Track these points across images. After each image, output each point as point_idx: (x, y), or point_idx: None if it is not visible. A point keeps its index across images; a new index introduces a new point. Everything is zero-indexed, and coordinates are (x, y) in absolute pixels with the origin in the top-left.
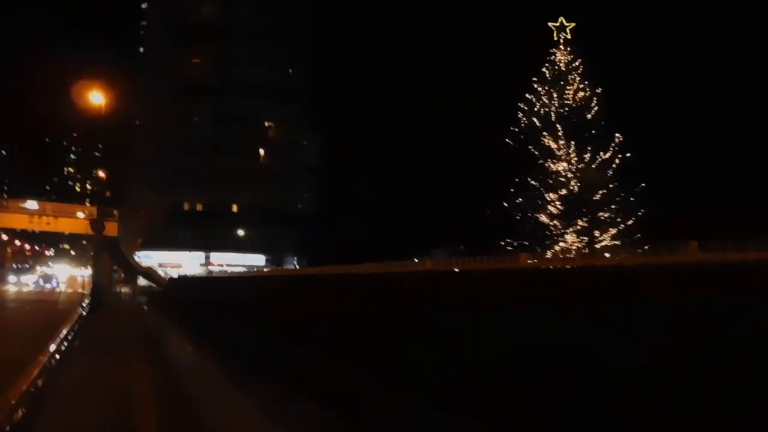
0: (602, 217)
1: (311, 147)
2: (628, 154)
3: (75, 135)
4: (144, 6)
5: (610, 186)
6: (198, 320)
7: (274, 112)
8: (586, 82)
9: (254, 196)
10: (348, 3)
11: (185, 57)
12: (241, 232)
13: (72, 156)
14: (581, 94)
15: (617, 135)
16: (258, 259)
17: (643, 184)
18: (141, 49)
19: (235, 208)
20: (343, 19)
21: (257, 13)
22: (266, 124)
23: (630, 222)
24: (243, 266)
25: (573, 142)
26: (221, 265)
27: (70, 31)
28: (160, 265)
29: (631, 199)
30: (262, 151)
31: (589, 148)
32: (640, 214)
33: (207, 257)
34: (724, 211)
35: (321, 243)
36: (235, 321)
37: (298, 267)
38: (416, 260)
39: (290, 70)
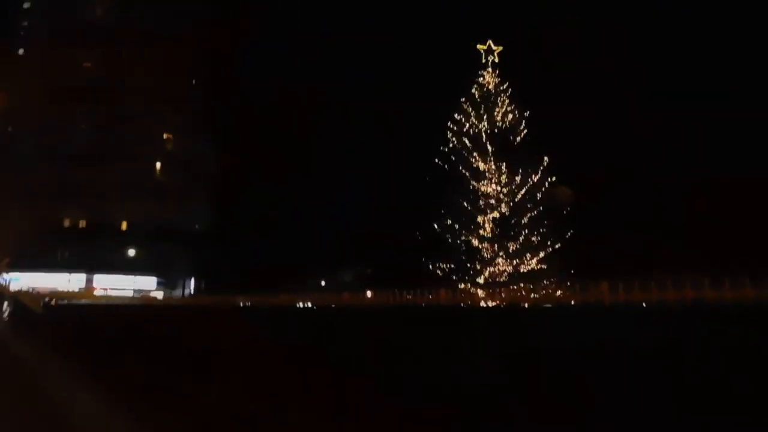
0: (532, 241)
1: (210, 161)
2: (553, 178)
3: None
4: (26, 5)
5: (539, 209)
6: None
7: (170, 122)
8: (514, 105)
9: (145, 213)
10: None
11: (71, 59)
12: (130, 252)
13: None
14: (510, 116)
15: (545, 158)
16: (148, 282)
17: (568, 208)
18: (20, 51)
19: (124, 225)
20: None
21: (154, 16)
22: (163, 135)
23: (558, 246)
24: (130, 290)
25: (503, 164)
26: (105, 289)
27: None
28: (33, 289)
29: (556, 223)
30: (155, 164)
31: (520, 170)
32: (567, 236)
33: (89, 279)
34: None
35: (219, 265)
36: None
37: (193, 291)
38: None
39: (193, 81)
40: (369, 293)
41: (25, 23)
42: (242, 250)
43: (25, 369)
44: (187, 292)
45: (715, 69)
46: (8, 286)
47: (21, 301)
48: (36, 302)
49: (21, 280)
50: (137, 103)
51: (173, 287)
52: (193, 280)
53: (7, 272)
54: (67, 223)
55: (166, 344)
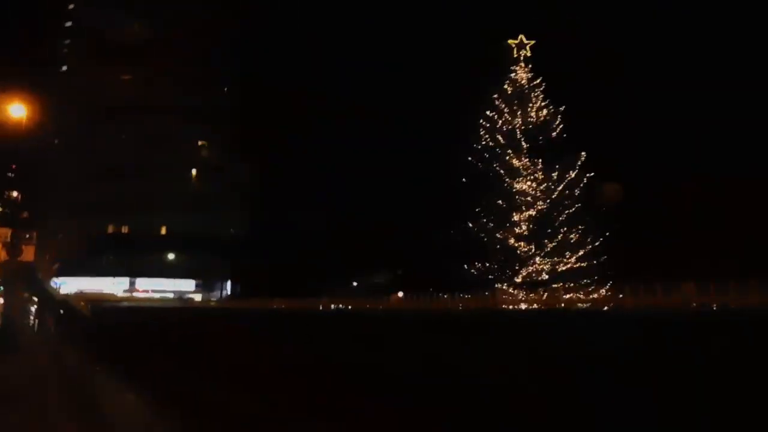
0: (570, 239)
1: (244, 169)
2: (591, 174)
3: None
4: (68, 24)
5: (577, 206)
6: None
7: (204, 133)
8: (548, 101)
9: (183, 220)
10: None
11: (109, 76)
12: (169, 257)
13: None
14: (544, 111)
15: (581, 154)
16: (187, 285)
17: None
18: (64, 68)
19: (163, 231)
20: (279, 34)
21: (185, 32)
22: (199, 143)
23: (597, 243)
24: (171, 292)
25: (539, 161)
26: (146, 291)
27: None
28: (81, 293)
29: (595, 220)
30: (191, 173)
31: (556, 166)
32: (606, 235)
33: (132, 283)
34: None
35: (254, 268)
36: None
37: (229, 293)
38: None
39: (225, 89)
40: (401, 294)
41: (67, 41)
42: (276, 254)
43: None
44: (223, 294)
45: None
46: (58, 290)
47: (70, 304)
48: (84, 305)
49: (68, 285)
50: (173, 115)
51: (210, 290)
52: (229, 284)
53: (56, 277)
54: (110, 230)
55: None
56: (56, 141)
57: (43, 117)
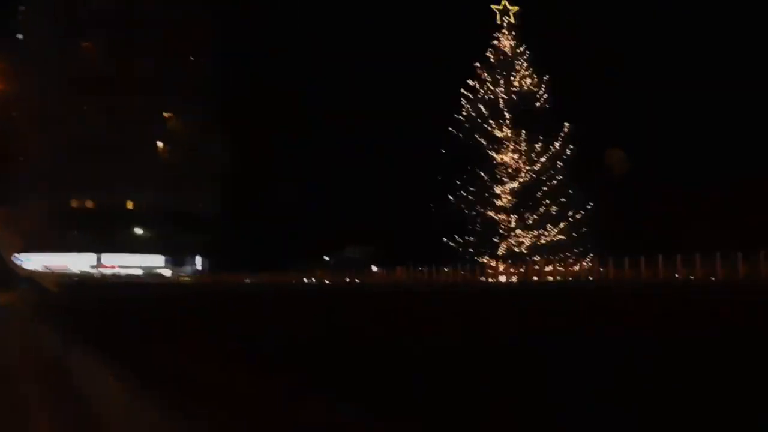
0: (552, 212)
1: (215, 142)
2: (571, 146)
3: None
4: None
5: (559, 178)
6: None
7: (175, 105)
8: (532, 69)
9: (152, 194)
10: None
11: (73, 45)
12: (137, 232)
13: None
14: (528, 81)
15: (566, 124)
16: (156, 261)
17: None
18: (19, 36)
19: (130, 205)
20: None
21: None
22: (165, 115)
23: (579, 216)
24: (139, 267)
25: (522, 132)
26: (114, 267)
27: None
28: (46, 269)
29: (579, 192)
30: (161, 148)
31: (540, 137)
32: (589, 207)
33: (98, 259)
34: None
35: (225, 243)
36: None
37: (200, 269)
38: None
39: (192, 60)
40: (375, 269)
41: (23, 7)
42: (248, 229)
43: None
44: (192, 269)
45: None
46: (22, 266)
47: (36, 279)
48: (50, 280)
49: (33, 261)
50: (142, 88)
51: (180, 265)
52: (199, 259)
53: (20, 254)
54: (76, 205)
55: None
56: (13, 114)
57: (2, 85)
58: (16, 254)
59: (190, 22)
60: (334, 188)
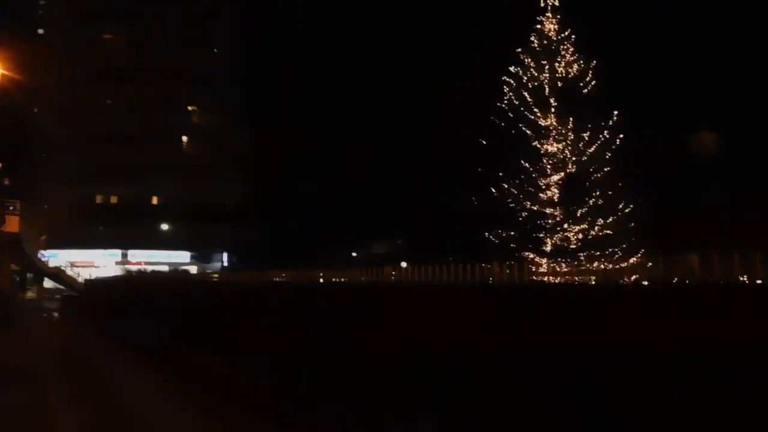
0: (601, 204)
1: (241, 135)
2: (621, 135)
3: None
4: None
5: (607, 169)
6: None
7: (199, 97)
8: (578, 55)
9: (177, 189)
10: None
11: (95, 36)
12: (163, 228)
13: None
14: (575, 66)
15: (615, 112)
16: (182, 257)
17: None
18: (40, 31)
19: (155, 200)
20: None
21: None
22: (189, 109)
23: (628, 210)
24: (165, 264)
25: (571, 119)
26: (140, 263)
27: None
28: (71, 265)
29: (629, 184)
30: (185, 139)
31: (589, 125)
32: (639, 200)
33: (124, 255)
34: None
35: (252, 238)
36: None
37: (226, 265)
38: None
39: (216, 51)
40: (404, 264)
41: (42, 2)
42: (274, 223)
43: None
44: (220, 265)
45: None
46: (47, 263)
47: (61, 276)
48: (74, 278)
49: (59, 258)
50: (166, 79)
51: (207, 261)
52: (226, 255)
53: (45, 250)
54: (100, 200)
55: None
56: (39, 104)
57: (23, 77)
58: (41, 251)
59: (213, 12)
60: (363, 181)
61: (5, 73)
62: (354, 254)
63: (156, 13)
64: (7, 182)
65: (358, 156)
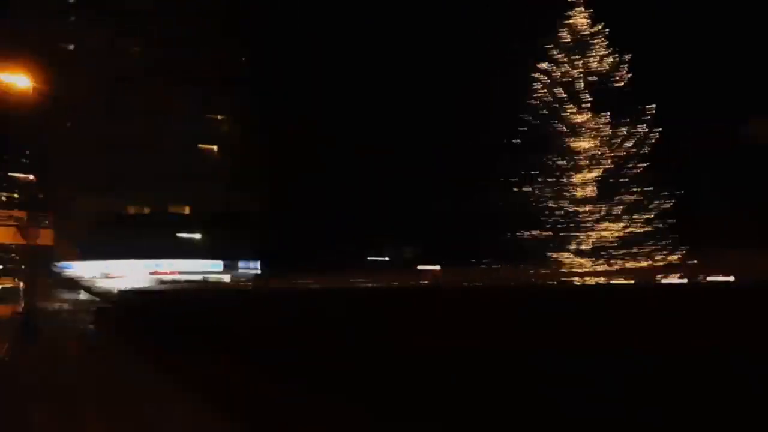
0: (637, 201)
1: (265, 140)
2: (659, 130)
3: None
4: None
5: (644, 165)
6: None
7: (225, 104)
8: (611, 49)
9: (206, 197)
10: None
11: (121, 47)
12: (193, 236)
13: None
14: (608, 60)
15: (650, 107)
16: (215, 266)
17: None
18: (71, 47)
19: (186, 210)
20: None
21: None
22: (218, 117)
23: (666, 206)
24: (198, 273)
25: (607, 114)
26: (172, 274)
27: None
28: (105, 277)
29: (662, 181)
30: (212, 148)
31: (626, 120)
32: (676, 196)
33: (156, 265)
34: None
35: (282, 245)
36: None
37: (259, 272)
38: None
39: (243, 57)
40: (437, 268)
41: (72, 18)
42: (304, 229)
43: None
44: (252, 273)
45: None
46: (76, 274)
47: (94, 289)
48: (109, 290)
49: (88, 269)
50: (192, 88)
51: (237, 269)
52: (258, 263)
53: (77, 261)
54: (131, 210)
55: None
56: (68, 116)
57: (51, 89)
58: (75, 262)
59: (234, 19)
60: (390, 185)
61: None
62: (387, 258)
63: (181, 23)
64: (41, 196)
65: (383, 158)
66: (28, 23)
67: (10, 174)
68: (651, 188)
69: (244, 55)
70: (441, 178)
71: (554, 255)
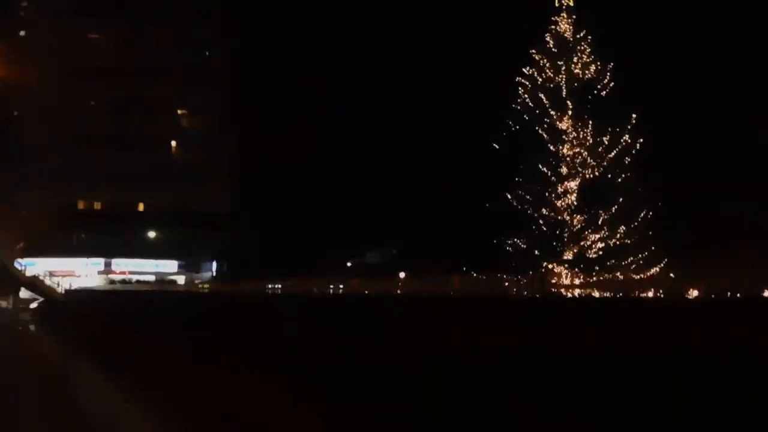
0: (622, 210)
1: (230, 139)
2: (641, 140)
3: None
4: None
5: (627, 174)
6: None
7: (188, 99)
8: (594, 56)
9: (164, 194)
10: None
11: (79, 35)
12: (149, 235)
13: None
14: (592, 67)
15: (634, 115)
16: (169, 266)
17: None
18: (22, 33)
19: (141, 207)
20: None
21: None
22: (178, 111)
23: (648, 217)
24: (152, 273)
25: (590, 122)
26: (124, 273)
27: None
28: (50, 274)
29: (645, 191)
30: (173, 143)
31: (609, 128)
32: (660, 205)
33: (107, 264)
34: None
35: (242, 247)
36: None
37: (215, 274)
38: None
39: (207, 52)
40: (402, 275)
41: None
42: (265, 231)
43: None
44: (209, 275)
45: None
46: (24, 271)
47: (39, 287)
48: (53, 288)
49: (37, 266)
50: (152, 80)
51: (195, 271)
52: (214, 264)
53: (22, 258)
54: (83, 206)
55: None
56: (19, 104)
57: (3, 76)
58: (18, 258)
59: (203, 13)
60: (358, 187)
61: None
62: (348, 264)
63: (143, 13)
64: None
65: (352, 160)
66: None
67: None
68: (631, 199)
69: (211, 51)
70: (420, 182)
71: (541, 263)
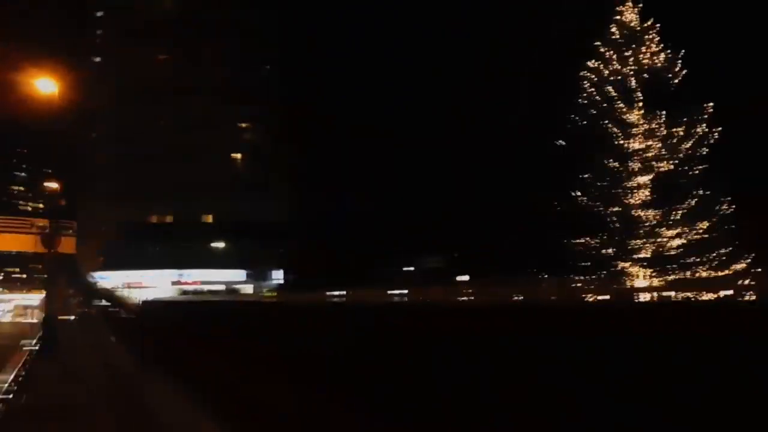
0: (698, 205)
1: (291, 151)
2: (719, 129)
3: (24, 151)
4: (99, 14)
5: (703, 167)
6: None
7: (248, 114)
8: (662, 45)
9: (230, 206)
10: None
11: (146, 58)
12: (216, 246)
13: (21, 173)
14: (662, 56)
15: (708, 105)
16: (237, 275)
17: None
18: (97, 59)
19: (208, 219)
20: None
21: (223, 7)
22: (242, 128)
23: (728, 211)
24: (221, 283)
25: (662, 113)
26: (195, 284)
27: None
28: (127, 287)
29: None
30: (236, 157)
31: (682, 119)
32: (730, 203)
33: (179, 275)
34: None
35: (306, 257)
36: None
37: (282, 283)
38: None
39: (267, 67)
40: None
41: (99, 31)
42: (328, 239)
43: None
44: (276, 284)
45: None
46: (101, 284)
47: (115, 298)
48: (130, 300)
49: (112, 279)
50: (216, 98)
51: (262, 280)
52: (280, 272)
53: (100, 271)
54: (154, 219)
55: None
56: (94, 126)
57: (78, 97)
58: (96, 272)
59: (260, 29)
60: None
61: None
62: (411, 268)
63: (203, 33)
64: (62, 203)
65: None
66: (57, 32)
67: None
68: (708, 192)
69: (270, 65)
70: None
71: (614, 264)
